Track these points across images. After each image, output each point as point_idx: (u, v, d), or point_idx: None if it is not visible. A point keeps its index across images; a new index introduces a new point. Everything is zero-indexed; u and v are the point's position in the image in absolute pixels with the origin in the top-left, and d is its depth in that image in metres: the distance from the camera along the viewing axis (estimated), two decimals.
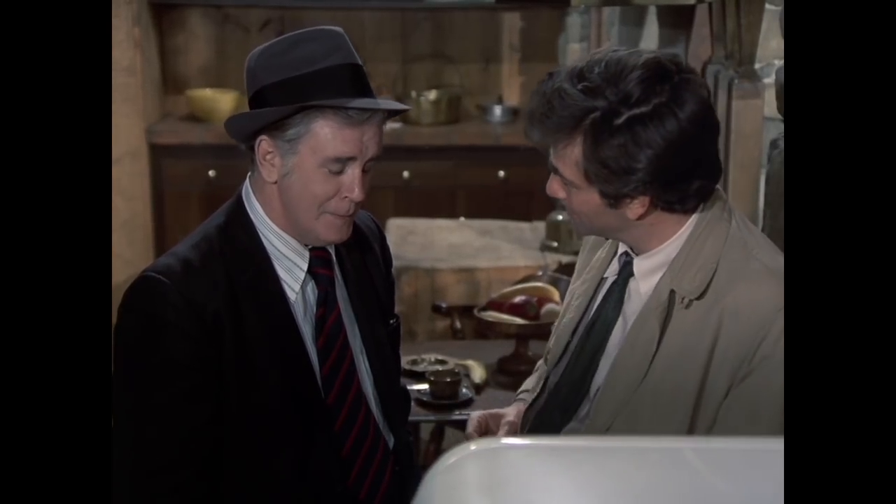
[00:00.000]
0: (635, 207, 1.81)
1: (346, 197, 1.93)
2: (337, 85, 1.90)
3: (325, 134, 1.89)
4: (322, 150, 1.90)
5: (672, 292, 1.83)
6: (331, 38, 1.93)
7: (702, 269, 1.82)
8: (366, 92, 1.93)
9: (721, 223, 1.85)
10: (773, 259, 1.82)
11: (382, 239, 2.25)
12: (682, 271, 1.83)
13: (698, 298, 1.81)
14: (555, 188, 1.88)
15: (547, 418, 2.00)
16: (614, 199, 1.80)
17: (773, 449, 1.05)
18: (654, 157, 1.74)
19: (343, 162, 1.91)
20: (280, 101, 1.90)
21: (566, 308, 2.06)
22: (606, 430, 1.86)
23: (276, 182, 1.95)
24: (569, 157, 1.80)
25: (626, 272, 1.93)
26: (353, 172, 1.92)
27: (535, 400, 2.05)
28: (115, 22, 5.13)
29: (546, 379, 2.04)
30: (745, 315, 1.77)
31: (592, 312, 1.98)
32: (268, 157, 1.94)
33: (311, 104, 1.88)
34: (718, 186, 1.90)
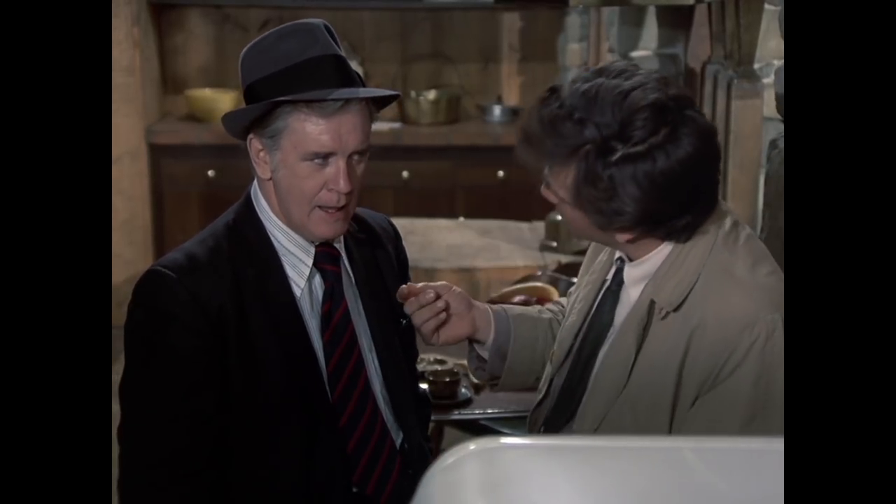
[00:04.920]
0: (624, 235, 1.82)
1: (332, 189, 1.94)
2: (316, 78, 1.90)
3: (303, 129, 1.90)
4: (301, 145, 1.91)
5: (652, 302, 1.84)
6: (310, 31, 1.94)
7: (681, 282, 1.82)
8: (348, 82, 1.93)
9: (707, 236, 1.83)
10: (752, 276, 1.81)
11: (398, 240, 2.25)
12: (663, 282, 1.83)
13: (675, 310, 1.81)
14: (547, 194, 1.87)
15: (552, 422, 2.00)
16: (602, 227, 1.81)
17: (772, 449, 1.05)
18: (641, 200, 1.73)
19: (324, 156, 1.92)
20: (263, 97, 1.92)
21: (570, 309, 2.06)
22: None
23: (270, 178, 1.97)
24: (561, 180, 1.80)
25: (618, 278, 1.94)
26: (336, 165, 1.93)
27: (542, 401, 2.05)
28: (114, 22, 5.13)
29: (551, 381, 2.05)
30: (713, 330, 1.77)
31: (591, 316, 1.99)
32: (260, 154, 1.96)
33: (283, 99, 1.89)
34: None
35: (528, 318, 2.15)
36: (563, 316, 2.21)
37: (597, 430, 1.87)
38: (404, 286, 2.05)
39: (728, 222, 1.86)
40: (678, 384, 1.79)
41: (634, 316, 1.86)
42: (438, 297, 2.02)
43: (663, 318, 1.82)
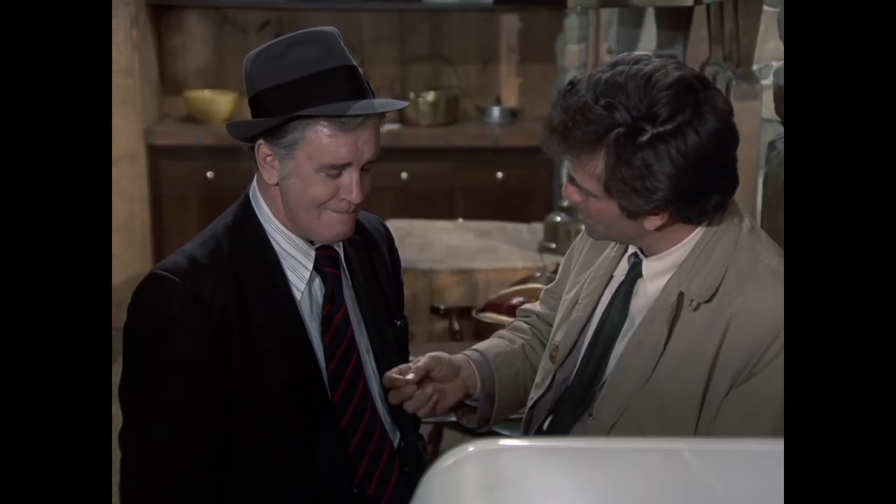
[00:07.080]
0: (654, 220, 1.83)
1: (344, 198, 1.94)
2: (331, 89, 1.89)
3: (320, 141, 1.90)
4: (317, 157, 1.91)
5: (681, 294, 1.84)
6: (324, 40, 1.93)
7: (711, 273, 1.83)
8: (362, 93, 1.93)
9: (731, 228, 1.86)
10: (781, 264, 1.83)
11: (391, 241, 2.25)
12: (691, 274, 1.84)
13: (707, 301, 1.82)
14: (571, 192, 1.88)
15: (559, 418, 2.01)
16: (634, 213, 1.82)
17: (772, 451, 1.05)
18: (676, 176, 1.75)
19: (339, 167, 1.92)
20: (276, 106, 1.90)
21: (571, 305, 2.06)
22: (611, 428, 1.88)
23: (277, 184, 1.96)
24: (590, 170, 1.80)
25: (634, 273, 1.94)
26: (350, 176, 1.93)
27: (541, 397, 2.06)
28: (113, 23, 5.13)
29: (553, 377, 2.05)
30: (753, 319, 1.78)
31: (601, 312, 1.99)
32: (267, 160, 1.95)
33: (303, 114, 1.88)
34: None
35: (506, 356, 2.17)
36: (538, 330, 2.23)
37: (617, 422, 1.87)
38: (389, 375, 2.04)
39: (747, 222, 1.89)
40: (710, 373, 1.80)
41: (661, 308, 1.86)
42: (422, 378, 2.02)
43: (695, 309, 1.83)
